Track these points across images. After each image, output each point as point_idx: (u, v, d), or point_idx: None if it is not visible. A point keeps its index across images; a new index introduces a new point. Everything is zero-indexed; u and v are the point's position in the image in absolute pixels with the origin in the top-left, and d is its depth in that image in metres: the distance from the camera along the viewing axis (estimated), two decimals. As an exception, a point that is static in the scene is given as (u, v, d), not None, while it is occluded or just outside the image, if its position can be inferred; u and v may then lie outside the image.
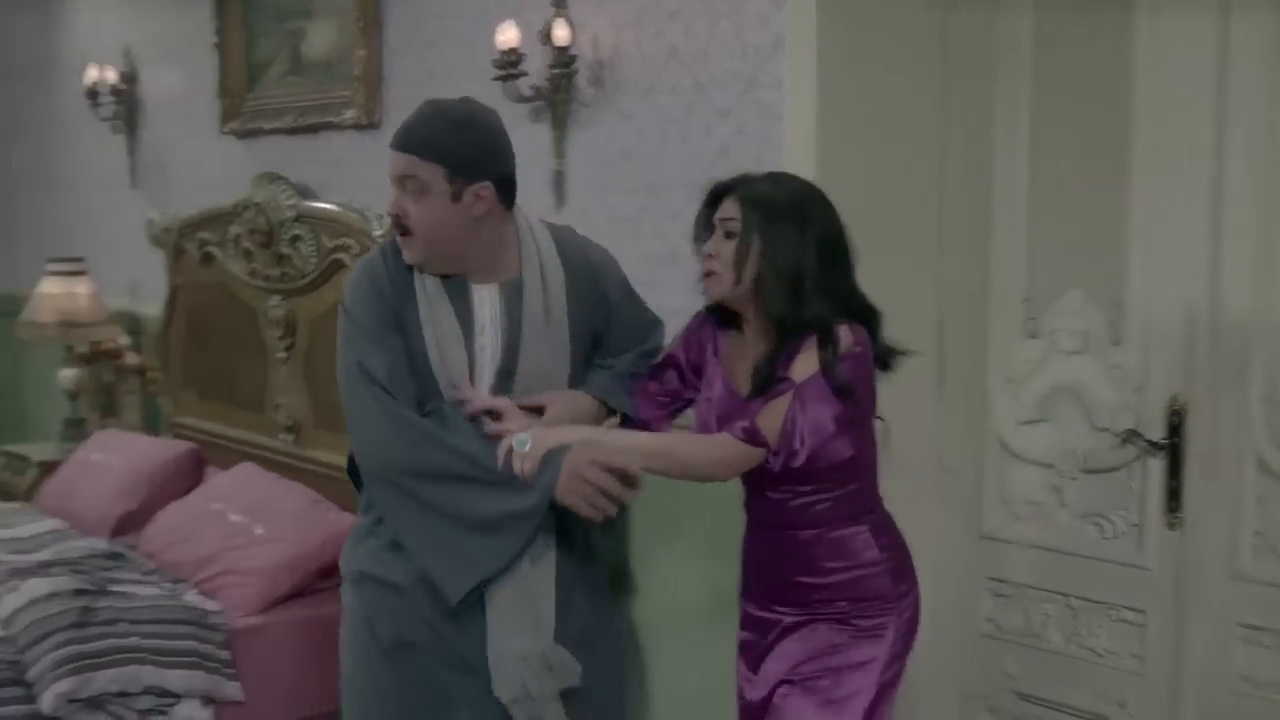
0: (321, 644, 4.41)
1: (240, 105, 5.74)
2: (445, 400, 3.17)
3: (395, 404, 3.12)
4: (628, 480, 3.04)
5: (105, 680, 4.10)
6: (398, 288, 3.18)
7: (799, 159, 3.64)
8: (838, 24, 3.69)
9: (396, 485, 3.16)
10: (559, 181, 4.33)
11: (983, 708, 3.92)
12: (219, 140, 5.86)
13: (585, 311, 3.27)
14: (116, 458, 5.57)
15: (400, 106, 4.96)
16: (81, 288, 6.34)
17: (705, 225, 3.08)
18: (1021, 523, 3.80)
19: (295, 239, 5.14)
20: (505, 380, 3.20)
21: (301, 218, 5.13)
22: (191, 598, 4.54)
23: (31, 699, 4.07)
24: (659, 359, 3.31)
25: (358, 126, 5.13)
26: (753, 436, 2.94)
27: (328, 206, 5.07)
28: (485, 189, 3.11)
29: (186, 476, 5.46)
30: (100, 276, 6.43)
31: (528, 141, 4.40)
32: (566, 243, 3.30)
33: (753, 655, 3.20)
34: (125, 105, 6.53)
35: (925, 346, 3.69)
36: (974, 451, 3.88)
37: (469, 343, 3.18)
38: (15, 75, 7.61)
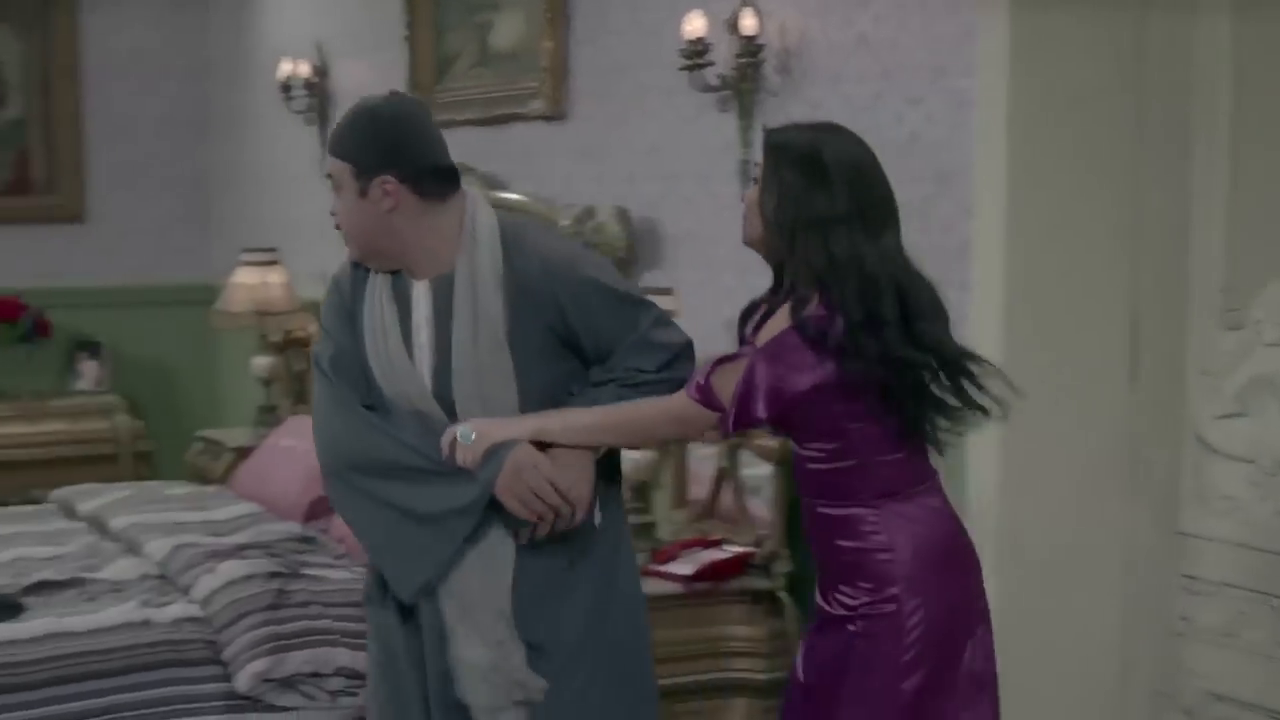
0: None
1: (430, 97, 5.82)
2: (387, 397, 3.10)
3: (341, 393, 3.09)
4: (567, 499, 2.97)
5: (299, 661, 4.19)
6: (355, 285, 3.13)
7: (991, 147, 3.59)
8: (1031, 11, 3.63)
9: (346, 480, 3.12)
10: (746, 171, 4.32)
11: (1175, 708, 3.83)
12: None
13: (531, 310, 3.04)
14: (308, 444, 5.66)
15: (587, 97, 5.00)
16: (274, 277, 6.48)
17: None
18: (1219, 519, 3.70)
19: (482, 229, 5.19)
20: (443, 379, 3.06)
21: (490, 208, 5.18)
22: (381, 582, 4.61)
23: (227, 678, 4.17)
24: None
25: (545, 118, 5.17)
26: (706, 397, 2.87)
27: (515, 197, 5.12)
28: (389, 183, 3.00)
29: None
30: (292, 266, 6.57)
31: (714, 132, 4.40)
32: (519, 237, 3.08)
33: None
34: (317, 98, 6.67)
35: (1118, 339, 3.62)
36: (1169, 446, 3.79)
37: (407, 341, 3.08)
38: (211, 70, 7.81)
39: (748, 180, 4.28)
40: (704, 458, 4.36)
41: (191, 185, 7.88)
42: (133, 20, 7.73)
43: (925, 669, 2.85)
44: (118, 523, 5.11)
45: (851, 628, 2.87)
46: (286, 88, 6.68)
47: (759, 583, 4.12)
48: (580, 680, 3.11)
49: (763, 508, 4.23)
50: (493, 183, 5.27)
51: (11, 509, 5.97)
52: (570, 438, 2.99)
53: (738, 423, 2.86)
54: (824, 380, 2.79)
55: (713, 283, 4.45)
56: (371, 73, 6.30)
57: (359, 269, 3.13)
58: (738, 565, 4.12)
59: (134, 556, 4.82)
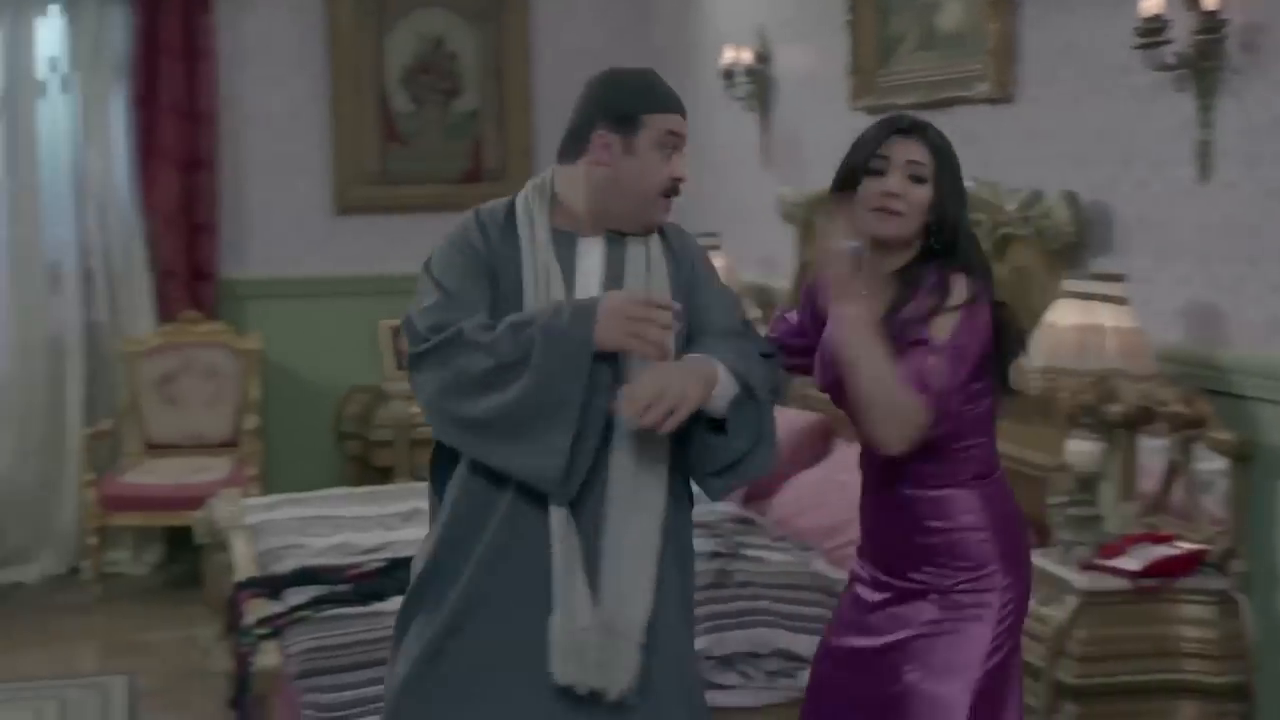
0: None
1: (872, 82, 5.80)
2: None
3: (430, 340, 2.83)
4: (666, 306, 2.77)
5: (738, 640, 4.26)
6: (505, 238, 2.95)
7: None
8: None
9: (451, 419, 2.82)
10: (1204, 153, 4.14)
11: None
12: (849, 117, 5.94)
13: (675, 267, 2.98)
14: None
15: (1034, 79, 4.88)
16: (717, 261, 6.55)
17: (873, 159, 3.02)
18: None
19: (924, 214, 5.15)
20: None
21: (931, 193, 5.13)
22: (819, 565, 4.64)
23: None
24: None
25: (990, 100, 5.07)
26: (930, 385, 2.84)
27: (958, 181, 5.05)
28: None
29: (815, 447, 5.58)
30: (734, 251, 6.66)
31: (1170, 112, 4.23)
32: None
33: (862, 610, 3.09)
34: (758, 85, 6.73)
35: None
36: None
37: (570, 294, 2.89)
38: (656, 57, 7.97)
39: (1205, 166, 4.12)
40: (1154, 450, 4.21)
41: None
42: (582, 11, 7.98)
43: (1008, 648, 2.99)
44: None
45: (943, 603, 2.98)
46: (728, 74, 6.77)
47: (1213, 582, 3.94)
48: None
49: (1217, 504, 4.06)
50: (935, 167, 5.21)
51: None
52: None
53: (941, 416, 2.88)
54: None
55: (1166, 270, 4.28)
56: (813, 58, 6.32)
57: (510, 220, 2.98)
58: (1191, 563, 3.96)
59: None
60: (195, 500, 6.10)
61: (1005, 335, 3.00)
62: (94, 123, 7.29)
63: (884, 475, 3.05)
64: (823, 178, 5.89)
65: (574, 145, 3.00)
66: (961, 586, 2.97)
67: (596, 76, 3.06)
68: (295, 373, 7.65)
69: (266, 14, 7.60)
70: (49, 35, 7.30)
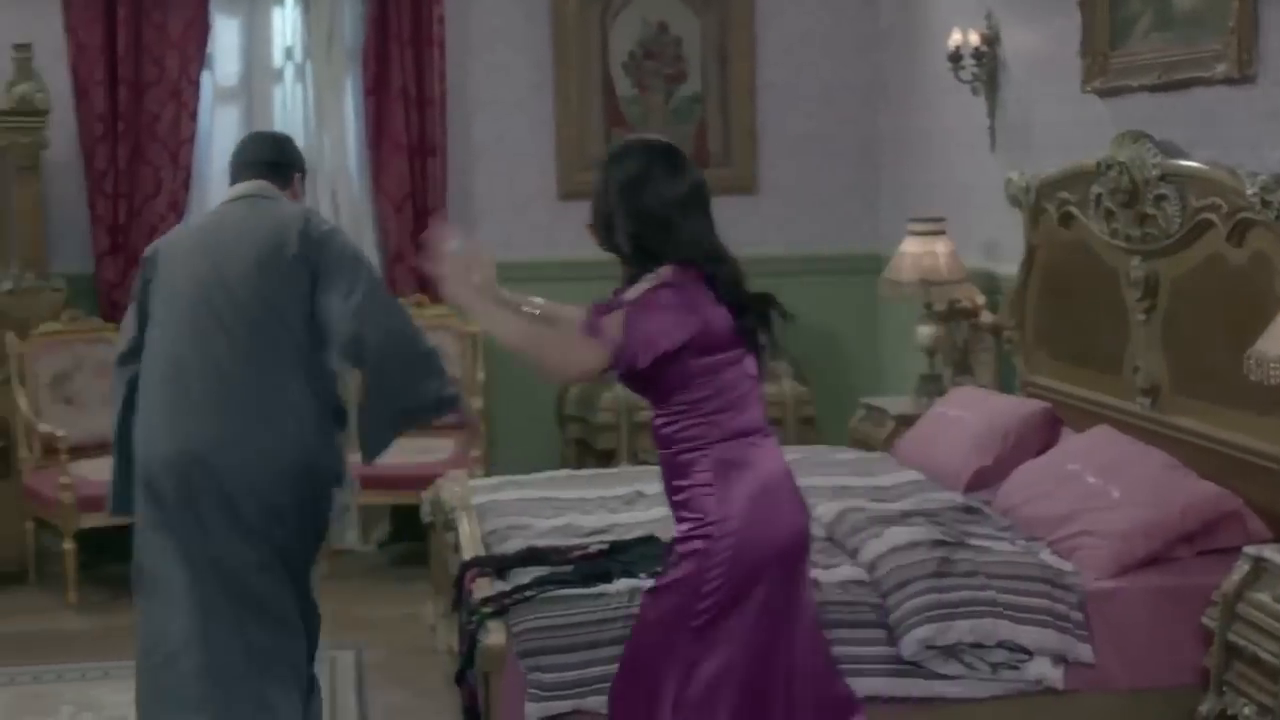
0: (1175, 614, 4.34)
1: (1104, 63, 5.66)
2: None
3: None
4: None
5: (962, 630, 4.21)
6: None
7: None
8: None
9: None
10: None
11: None
12: (1080, 99, 5.81)
13: None
14: (973, 414, 5.69)
15: (1277, 60, 4.72)
16: (940, 247, 6.51)
17: None
18: None
19: (1160, 199, 5.01)
20: None
21: (1167, 176, 4.99)
22: (1046, 556, 4.56)
23: (892, 641, 4.24)
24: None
25: (1229, 81, 4.92)
26: (593, 329, 3.52)
27: (1195, 165, 4.90)
28: None
29: (1041, 435, 5.49)
30: (958, 236, 6.57)
31: None
32: None
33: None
34: (986, 67, 6.62)
35: None
36: None
37: None
38: (881, 42, 7.91)
39: None
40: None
41: (860, 156, 8.02)
42: (806, -5, 7.95)
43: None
44: (787, 484, 5.27)
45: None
46: (956, 57, 6.66)
47: None
48: None
49: None
50: (1170, 150, 5.07)
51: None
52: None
53: (628, 359, 3.52)
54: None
55: None
56: (1043, 39, 6.20)
57: None
58: None
59: (803, 518, 4.96)
60: (421, 480, 6.21)
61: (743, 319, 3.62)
62: (327, 110, 7.48)
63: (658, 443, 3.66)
64: (1050, 160, 5.84)
65: None
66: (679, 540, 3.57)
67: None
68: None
69: (492, 2, 7.71)
70: (285, 25, 7.51)
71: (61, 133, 7.21)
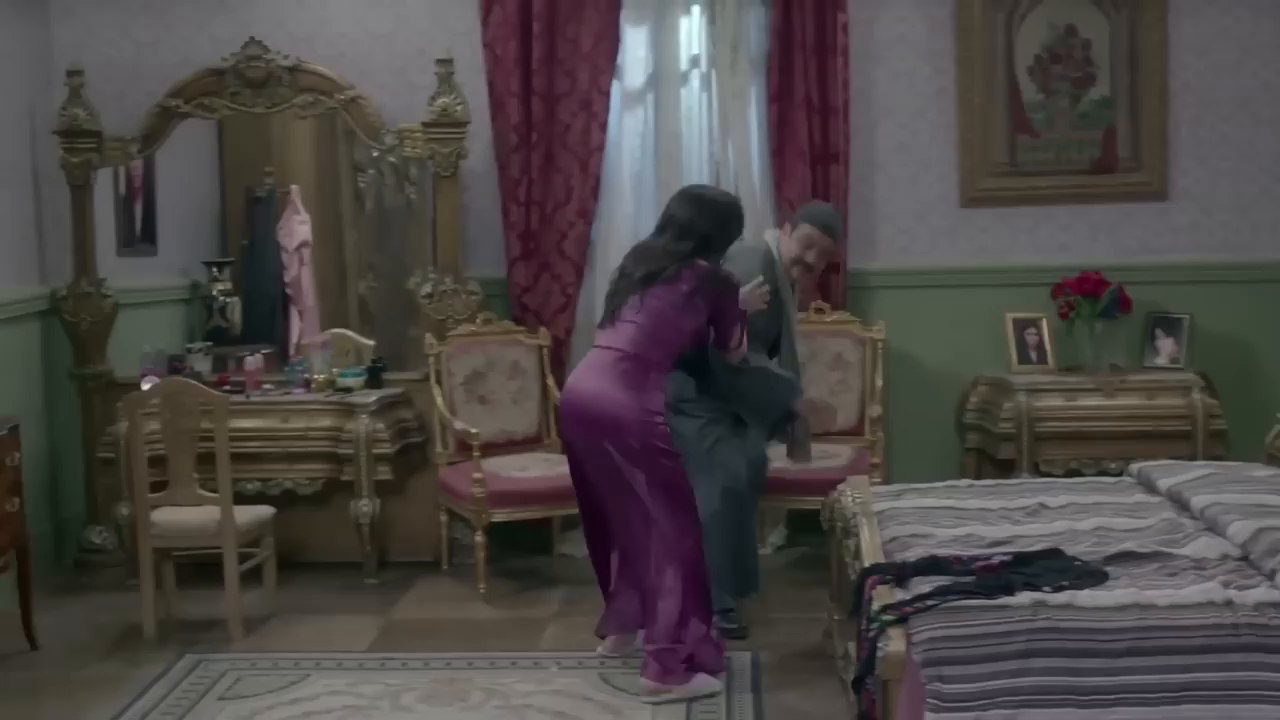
0: None
1: None
2: None
3: None
4: None
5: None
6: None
7: None
8: None
9: None
10: None
11: None
12: None
13: None
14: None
15: None
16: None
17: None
18: None
19: None
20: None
21: None
22: None
23: (1312, 669, 4.05)
24: None
25: None
26: None
27: None
28: None
29: None
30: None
31: None
32: None
33: None
34: None
35: None
36: None
37: None
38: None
39: None
40: None
41: (1275, 161, 7.69)
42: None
43: None
44: (1198, 501, 5.10)
45: None
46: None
47: None
48: None
49: None
50: None
51: (1091, 479, 6.16)
52: None
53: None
54: None
55: None
56: None
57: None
58: None
59: (1215, 536, 4.78)
60: (819, 485, 6.25)
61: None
62: (731, 117, 7.59)
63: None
64: None
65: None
66: None
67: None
68: (918, 362, 7.72)
69: (897, 8, 7.69)
70: (691, 34, 7.65)
71: (477, 143, 7.54)
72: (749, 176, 7.60)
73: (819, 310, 7.45)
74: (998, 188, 7.73)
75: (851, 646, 4.91)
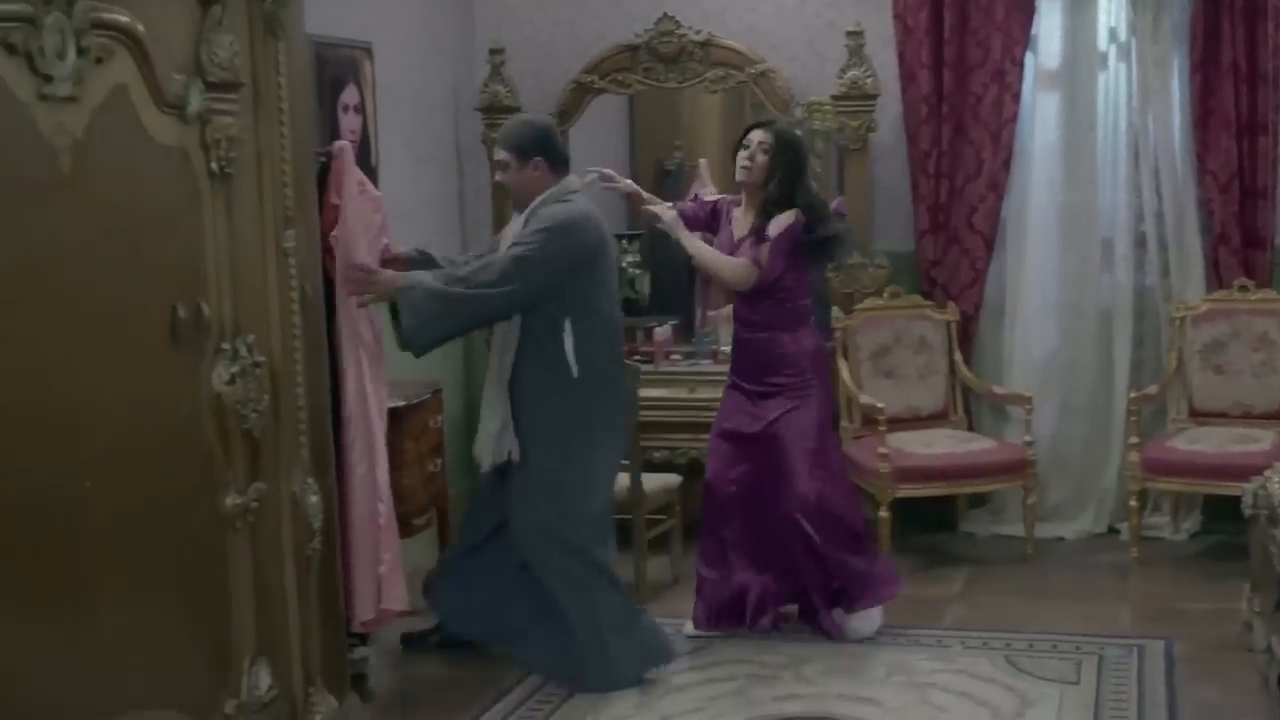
0: None
1: None
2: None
3: None
4: None
5: None
6: None
7: None
8: None
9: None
10: None
11: None
12: None
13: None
14: None
15: None
16: None
17: (742, 142, 5.96)
18: None
19: None
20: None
21: None
22: None
23: None
24: (710, 201, 6.27)
25: None
26: (759, 263, 5.83)
27: None
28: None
29: None
30: None
31: None
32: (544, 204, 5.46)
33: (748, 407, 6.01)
34: None
35: None
36: None
37: None
38: None
39: None
40: None
41: None
42: None
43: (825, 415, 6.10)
44: None
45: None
46: None
47: None
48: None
49: None
50: None
51: None
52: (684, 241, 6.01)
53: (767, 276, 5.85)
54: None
55: None
56: None
57: None
58: None
59: None
60: (1238, 470, 6.01)
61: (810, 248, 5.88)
62: (1152, 89, 7.31)
63: (744, 325, 6.03)
64: None
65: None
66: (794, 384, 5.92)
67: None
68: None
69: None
70: (1110, 3, 7.41)
71: (886, 115, 7.48)
72: (1169, 148, 7.31)
73: (1243, 288, 7.12)
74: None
75: (1275, 642, 4.71)
